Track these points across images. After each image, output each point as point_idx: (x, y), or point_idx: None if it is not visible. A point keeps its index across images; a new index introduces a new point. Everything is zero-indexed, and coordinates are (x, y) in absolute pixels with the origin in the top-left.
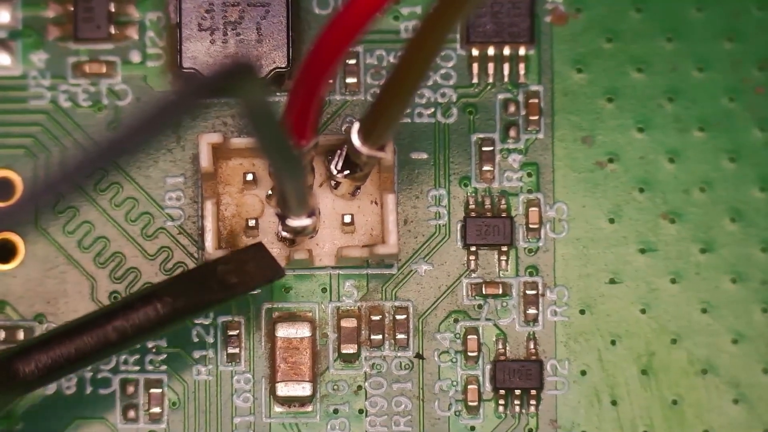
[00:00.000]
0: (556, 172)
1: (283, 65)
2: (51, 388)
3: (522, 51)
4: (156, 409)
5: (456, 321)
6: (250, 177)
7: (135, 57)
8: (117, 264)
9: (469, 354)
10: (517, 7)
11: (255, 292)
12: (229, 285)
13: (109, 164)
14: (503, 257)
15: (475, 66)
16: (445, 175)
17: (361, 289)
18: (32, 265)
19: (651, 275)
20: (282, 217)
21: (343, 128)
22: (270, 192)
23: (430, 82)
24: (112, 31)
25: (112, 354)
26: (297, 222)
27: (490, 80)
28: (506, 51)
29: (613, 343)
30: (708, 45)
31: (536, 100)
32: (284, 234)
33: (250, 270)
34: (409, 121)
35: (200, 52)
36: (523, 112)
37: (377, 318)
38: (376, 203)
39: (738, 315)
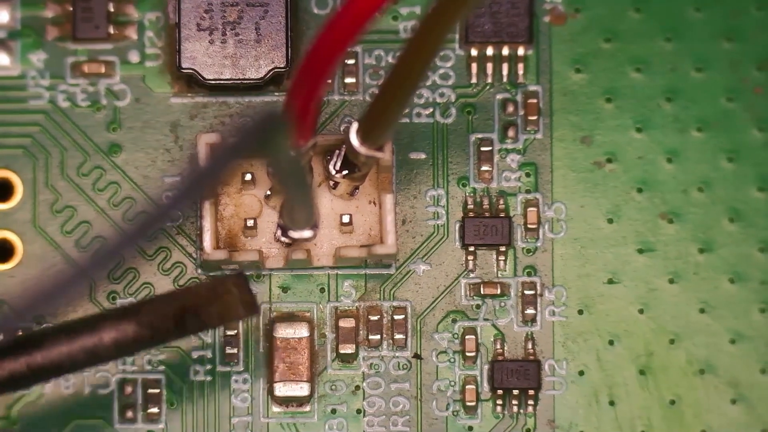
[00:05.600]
0: (555, 172)
1: (282, 65)
2: (49, 388)
3: (521, 51)
4: (154, 409)
5: (454, 321)
6: (248, 177)
7: (134, 57)
8: (115, 264)
9: (467, 354)
10: (515, 7)
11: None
12: (202, 319)
13: (145, 240)
14: (501, 257)
15: (474, 66)
16: (444, 175)
17: (359, 289)
18: (30, 264)
19: (649, 275)
20: (284, 228)
21: (341, 128)
22: (269, 192)
23: (428, 82)
24: (111, 31)
25: (71, 372)
26: (299, 234)
27: (489, 80)
28: (505, 51)
29: (611, 343)
30: (707, 45)
31: (535, 100)
32: (283, 238)
33: (228, 301)
34: (408, 121)
35: (199, 52)
36: (521, 112)
37: (375, 318)
38: (374, 203)
39: (736, 315)
